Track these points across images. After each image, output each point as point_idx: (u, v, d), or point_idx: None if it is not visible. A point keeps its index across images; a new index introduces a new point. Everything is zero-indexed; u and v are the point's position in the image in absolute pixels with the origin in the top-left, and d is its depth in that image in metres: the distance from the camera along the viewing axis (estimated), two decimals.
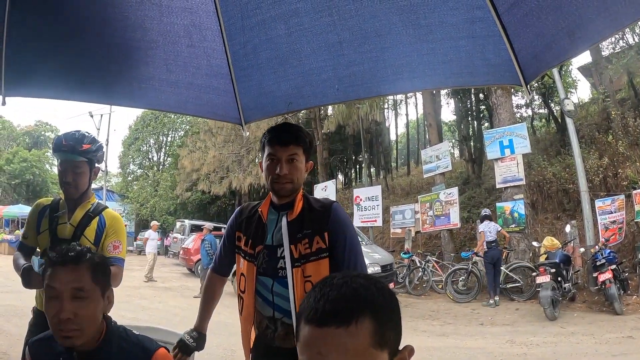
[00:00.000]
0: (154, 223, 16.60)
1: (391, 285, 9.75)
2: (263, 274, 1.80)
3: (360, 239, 2.36)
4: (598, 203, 10.76)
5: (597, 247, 8.89)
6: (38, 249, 2.41)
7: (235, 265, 1.96)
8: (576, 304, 8.92)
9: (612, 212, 10.43)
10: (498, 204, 12.30)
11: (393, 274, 10.82)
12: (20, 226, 25.09)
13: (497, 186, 12.52)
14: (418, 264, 11.85)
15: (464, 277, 10.47)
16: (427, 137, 20.04)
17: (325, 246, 1.74)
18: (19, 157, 37.54)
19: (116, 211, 2.58)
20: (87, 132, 2.37)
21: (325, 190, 16.75)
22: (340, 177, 32.43)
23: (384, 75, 2.00)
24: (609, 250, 8.44)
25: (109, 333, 1.39)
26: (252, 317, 1.82)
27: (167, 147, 41.41)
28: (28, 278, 2.13)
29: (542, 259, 9.41)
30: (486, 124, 21.15)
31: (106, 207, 2.45)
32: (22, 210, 25.75)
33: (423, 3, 1.66)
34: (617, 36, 16.05)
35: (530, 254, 11.29)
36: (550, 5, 1.62)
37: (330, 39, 1.88)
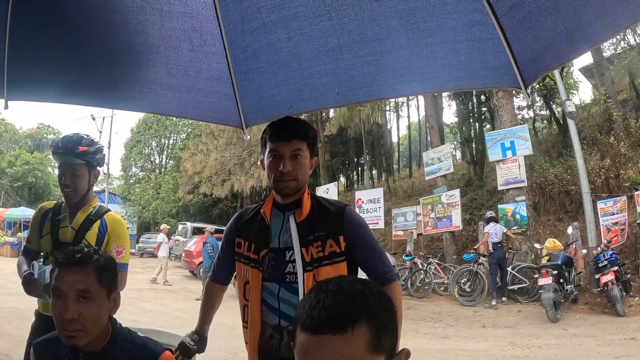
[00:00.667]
0: (164, 226, 16.59)
1: None
2: (268, 280, 1.70)
3: None
4: (600, 204, 10.76)
5: (599, 248, 8.88)
6: (41, 253, 2.42)
7: (235, 273, 1.90)
8: (578, 306, 8.91)
9: (614, 214, 10.42)
10: (500, 206, 12.30)
11: (395, 276, 10.81)
12: (22, 229, 25.15)
13: (499, 188, 12.52)
14: (420, 266, 11.85)
15: (466, 279, 10.44)
16: (429, 139, 20.07)
17: (340, 250, 1.66)
18: (21, 160, 37.69)
19: (118, 214, 2.57)
20: (86, 135, 2.36)
21: (327, 193, 16.75)
22: (342, 179, 32.42)
23: (383, 78, 2.01)
24: (611, 252, 8.43)
25: (114, 334, 1.40)
26: (259, 327, 1.72)
27: (169, 150, 41.55)
28: (27, 286, 2.14)
29: (544, 261, 9.42)
30: (488, 126, 21.15)
31: (108, 210, 2.44)
32: (25, 212, 25.84)
33: (422, 7, 1.67)
34: (618, 37, 16.06)
35: (532, 256, 11.28)
36: (549, 7, 1.62)
37: (330, 43, 1.88)
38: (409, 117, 37.56)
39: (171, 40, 2.12)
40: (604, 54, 16.19)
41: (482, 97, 20.52)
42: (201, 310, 1.98)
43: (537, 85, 18.04)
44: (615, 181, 12.33)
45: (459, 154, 28.98)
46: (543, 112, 22.85)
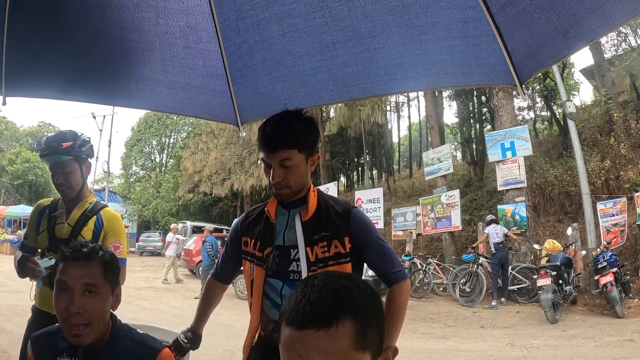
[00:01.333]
0: (173, 225, 16.53)
1: None
2: (272, 276, 1.69)
3: None
4: (600, 206, 10.75)
5: (598, 249, 8.87)
6: (39, 250, 2.42)
7: (238, 272, 1.90)
8: (577, 307, 8.90)
9: (613, 215, 10.42)
10: (499, 207, 12.29)
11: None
12: (22, 226, 25.18)
13: (499, 189, 12.51)
14: (419, 267, 11.84)
15: (465, 280, 10.43)
16: (429, 139, 20.06)
17: (345, 251, 1.63)
18: (21, 158, 37.68)
19: (119, 212, 2.57)
20: (68, 130, 2.34)
21: (327, 192, 16.72)
22: (342, 179, 32.43)
23: (377, 75, 2.00)
24: (610, 253, 8.42)
25: (114, 331, 1.41)
26: (257, 321, 1.73)
27: (170, 149, 41.59)
28: (22, 265, 2.13)
29: (543, 262, 9.41)
30: (488, 127, 21.12)
31: (105, 206, 2.43)
32: (24, 210, 25.83)
33: (416, 3, 1.67)
34: (619, 38, 16.06)
35: (532, 257, 11.27)
36: (544, 4, 1.62)
37: (324, 40, 1.88)
38: (409, 117, 37.68)
39: (167, 37, 2.13)
40: (605, 55, 16.17)
41: (483, 97, 20.51)
42: (199, 307, 1.96)
43: (538, 86, 18.05)
44: (615, 182, 12.33)
45: (459, 155, 28.95)
46: (543, 113, 22.85)
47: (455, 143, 30.19)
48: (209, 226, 13.60)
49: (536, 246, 10.46)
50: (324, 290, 0.76)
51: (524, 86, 1.98)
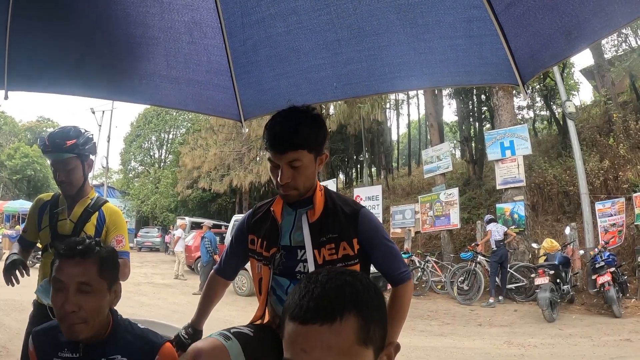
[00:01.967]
0: (181, 221, 16.38)
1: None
2: (279, 275, 1.68)
3: None
4: (598, 205, 10.79)
5: (596, 249, 8.91)
6: (38, 244, 2.42)
7: (241, 268, 1.89)
8: (575, 306, 8.94)
9: (612, 215, 10.46)
10: (498, 205, 12.32)
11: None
12: (20, 221, 25.14)
13: (498, 187, 12.54)
14: (417, 264, 11.86)
15: (463, 278, 10.45)
16: (429, 137, 20.08)
17: (354, 253, 1.61)
18: (20, 153, 37.63)
19: (117, 207, 2.57)
20: (72, 127, 2.32)
21: None
22: (341, 176, 32.43)
23: (381, 73, 2.01)
24: (608, 253, 8.46)
25: (115, 326, 1.42)
26: (260, 314, 1.74)
27: (169, 145, 41.54)
28: (8, 269, 2.12)
29: (541, 261, 9.44)
30: (487, 125, 21.15)
31: (106, 202, 2.44)
32: (23, 205, 25.83)
33: (420, 2, 1.68)
34: (619, 39, 16.06)
35: (530, 256, 11.31)
36: (547, 5, 1.63)
37: (329, 37, 1.89)
38: (409, 115, 37.56)
39: (171, 32, 2.13)
40: (605, 56, 16.17)
41: (483, 96, 20.51)
42: (200, 302, 1.94)
43: (538, 86, 18.05)
44: (614, 183, 12.36)
45: (458, 153, 29.01)
46: (543, 113, 22.86)
47: (455, 141, 30.26)
48: (208, 222, 13.62)
49: (534, 245, 10.49)
50: (328, 286, 0.76)
51: (525, 85, 1.99)
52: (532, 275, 9.49)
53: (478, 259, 10.41)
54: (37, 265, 2.26)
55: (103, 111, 26.77)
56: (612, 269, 8.01)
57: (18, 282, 2.13)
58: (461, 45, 1.82)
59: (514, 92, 12.56)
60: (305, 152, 1.54)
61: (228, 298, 9.57)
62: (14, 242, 2.53)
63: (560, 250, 9.30)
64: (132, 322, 1.49)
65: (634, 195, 10.33)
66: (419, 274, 11.72)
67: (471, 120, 23.58)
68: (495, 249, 10.16)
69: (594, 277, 8.18)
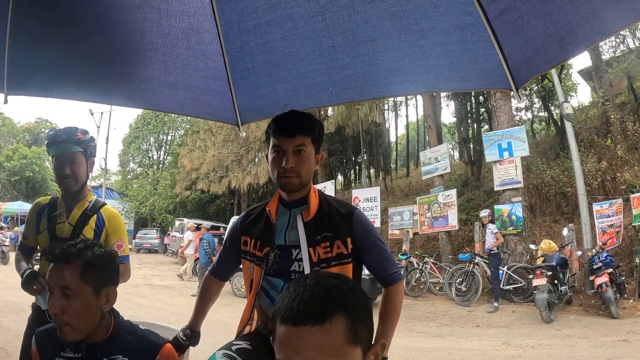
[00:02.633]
0: (191, 224, 16.06)
1: None
2: (273, 275, 1.70)
3: None
4: (596, 207, 10.82)
5: (594, 250, 8.94)
6: (38, 248, 2.43)
7: (235, 270, 1.91)
8: (572, 307, 8.96)
9: (609, 216, 10.49)
10: (496, 207, 12.33)
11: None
12: (19, 223, 25.11)
13: (496, 189, 12.55)
14: (416, 266, 11.88)
15: (461, 279, 10.44)
16: (427, 138, 20.09)
17: (347, 252, 1.65)
18: (18, 154, 37.52)
19: (115, 209, 2.59)
20: (78, 127, 2.38)
21: (324, 191, 16.73)
22: (340, 177, 32.44)
23: (376, 78, 2.04)
24: (606, 254, 8.49)
25: (116, 327, 1.44)
26: (248, 316, 1.77)
27: (167, 146, 41.55)
28: (28, 283, 2.10)
29: (539, 262, 9.43)
30: (485, 127, 21.20)
31: (104, 204, 2.44)
32: (22, 207, 25.78)
33: (414, 9, 1.70)
34: (617, 40, 16.13)
35: (528, 257, 11.32)
36: (540, 11, 1.65)
37: (324, 44, 1.91)
38: (407, 116, 37.48)
39: (169, 38, 2.14)
40: (603, 57, 16.23)
41: (481, 97, 20.56)
42: (197, 303, 1.97)
43: (536, 87, 18.11)
44: (612, 184, 12.38)
45: (456, 154, 29.05)
46: (541, 114, 22.93)
47: (453, 143, 30.31)
48: (207, 224, 13.63)
49: (532, 246, 10.49)
50: (316, 289, 0.80)
51: (518, 90, 2.01)
52: (530, 276, 9.50)
53: (476, 261, 10.41)
54: (36, 267, 2.27)
55: (102, 113, 26.78)
56: (610, 270, 8.03)
57: (45, 288, 2.11)
58: (455, 51, 1.84)
59: (512, 94, 12.58)
60: (310, 140, 1.64)
61: (226, 300, 9.57)
62: (13, 245, 2.53)
63: (558, 252, 9.31)
64: (134, 323, 1.52)
65: (632, 196, 10.37)
66: (417, 275, 11.73)
67: (469, 121, 23.62)
68: (497, 251, 10.06)
69: (591, 278, 8.20)
